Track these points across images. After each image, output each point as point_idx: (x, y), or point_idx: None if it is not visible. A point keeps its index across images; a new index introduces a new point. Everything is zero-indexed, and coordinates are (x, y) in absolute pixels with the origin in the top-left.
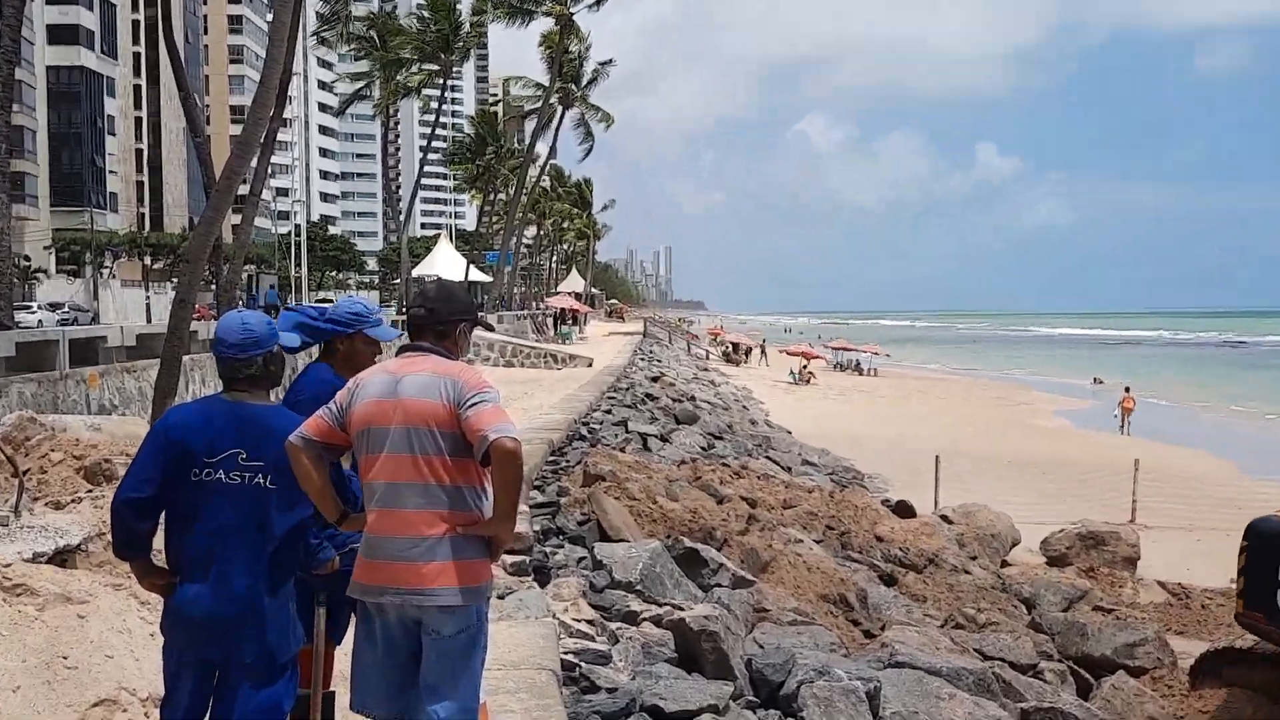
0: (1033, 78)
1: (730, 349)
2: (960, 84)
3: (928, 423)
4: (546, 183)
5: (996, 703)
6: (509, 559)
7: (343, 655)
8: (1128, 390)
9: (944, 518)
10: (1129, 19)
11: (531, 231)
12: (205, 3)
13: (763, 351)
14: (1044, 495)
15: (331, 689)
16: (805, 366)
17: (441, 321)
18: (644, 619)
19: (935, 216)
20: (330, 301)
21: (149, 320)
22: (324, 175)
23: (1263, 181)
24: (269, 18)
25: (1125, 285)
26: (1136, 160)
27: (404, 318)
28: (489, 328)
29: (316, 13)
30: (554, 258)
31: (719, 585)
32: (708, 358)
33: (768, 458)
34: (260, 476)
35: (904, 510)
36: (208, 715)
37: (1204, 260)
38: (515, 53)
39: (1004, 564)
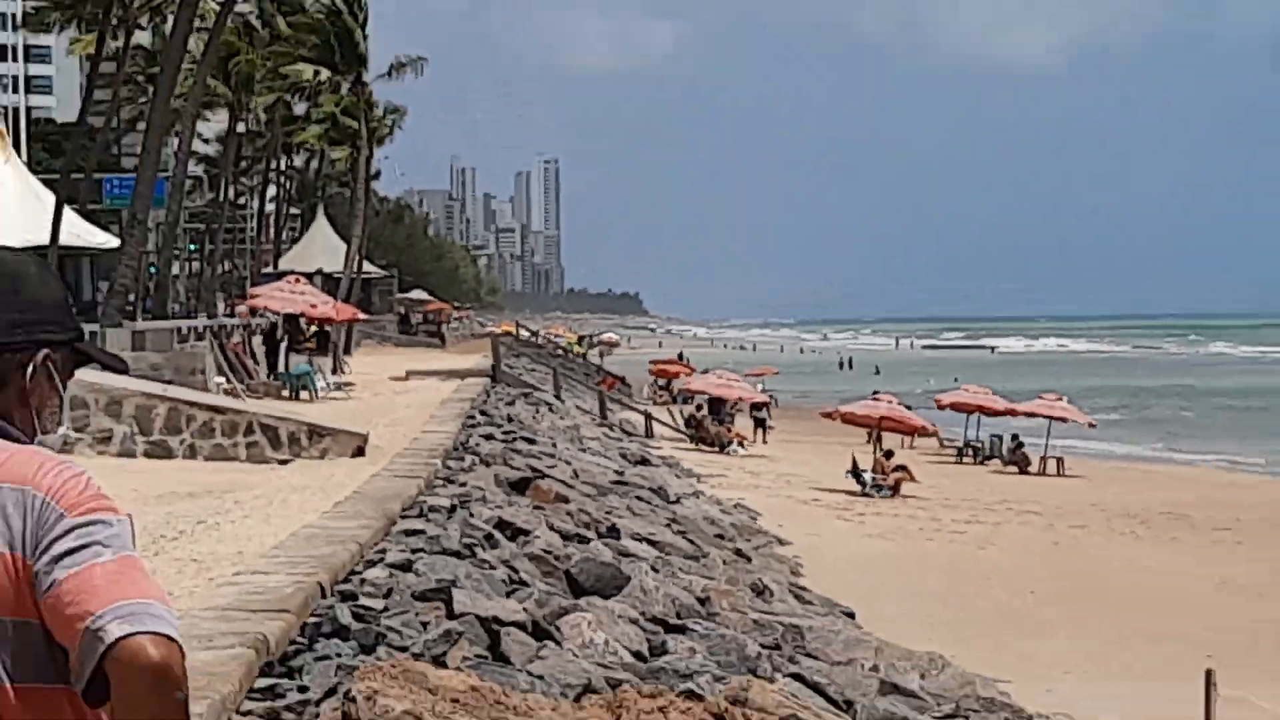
0: None
1: (702, 413)
2: None
3: (1186, 587)
4: (251, 6)
5: None
6: None
7: None
8: None
9: None
10: None
11: (219, 125)
12: None
13: (761, 420)
14: None
15: None
16: (887, 455)
17: None
18: None
19: (1204, 88)
20: None
21: None
22: None
23: None
24: None
25: None
26: None
27: None
28: (115, 365)
29: None
30: (274, 191)
31: None
32: (650, 431)
33: (797, 676)
34: None
35: None
36: None
37: None
38: None
39: None
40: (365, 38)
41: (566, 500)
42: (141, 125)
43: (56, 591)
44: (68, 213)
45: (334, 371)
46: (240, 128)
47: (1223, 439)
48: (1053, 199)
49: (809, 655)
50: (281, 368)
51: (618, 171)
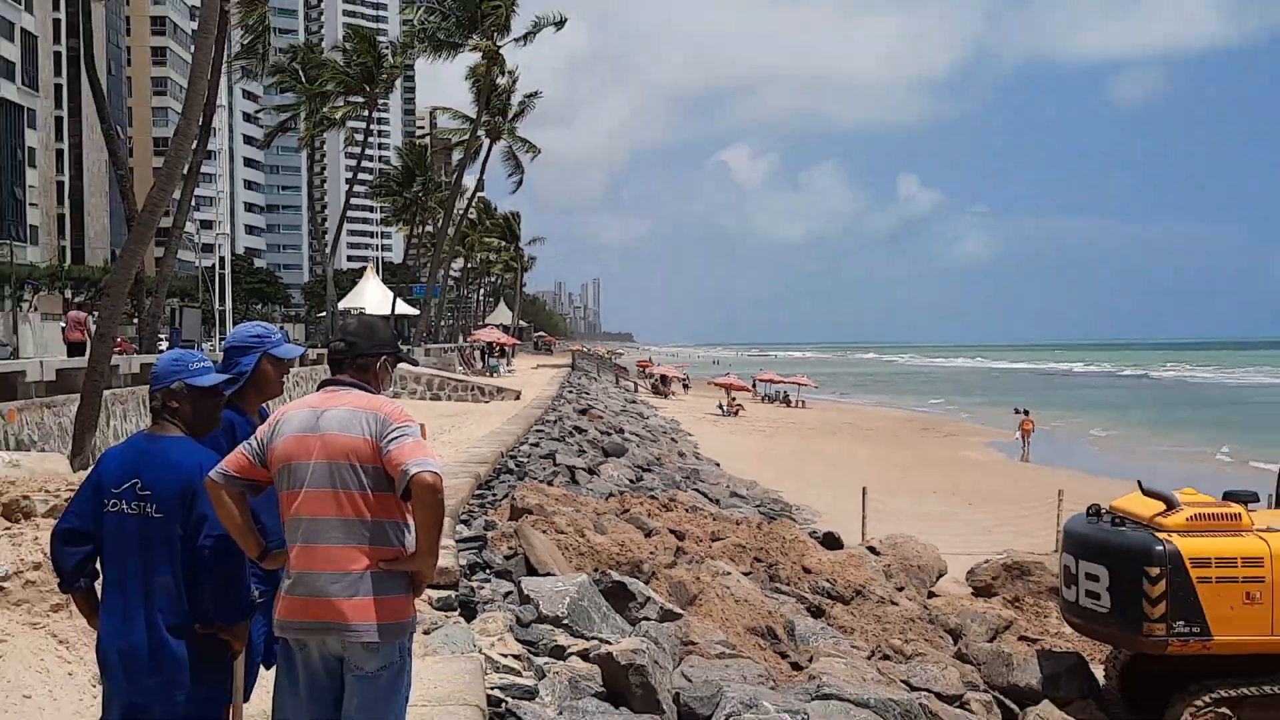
0: (949, 108)
1: (658, 381)
2: (880, 114)
3: (856, 455)
4: (474, 215)
5: None
6: (435, 594)
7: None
8: (1026, 413)
9: (871, 549)
10: (1039, 51)
11: (459, 264)
12: (128, 34)
13: (684, 384)
14: (971, 526)
15: None
16: (733, 399)
17: (362, 355)
18: (571, 653)
19: (859, 250)
20: None
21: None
22: (249, 208)
23: (1182, 211)
24: (192, 50)
25: (1048, 318)
26: (1057, 192)
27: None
28: (412, 362)
29: (241, 43)
30: (482, 291)
31: (646, 618)
32: (636, 390)
33: (696, 490)
34: (149, 506)
35: (832, 542)
36: None
37: (1126, 292)
38: (442, 83)
39: (931, 595)
40: (520, 228)
41: (602, 417)
42: (428, 265)
43: (389, 454)
44: (399, 301)
45: (508, 365)
46: (469, 265)
47: (875, 394)
48: (798, 297)
49: (701, 480)
50: (486, 362)
51: (623, 281)
